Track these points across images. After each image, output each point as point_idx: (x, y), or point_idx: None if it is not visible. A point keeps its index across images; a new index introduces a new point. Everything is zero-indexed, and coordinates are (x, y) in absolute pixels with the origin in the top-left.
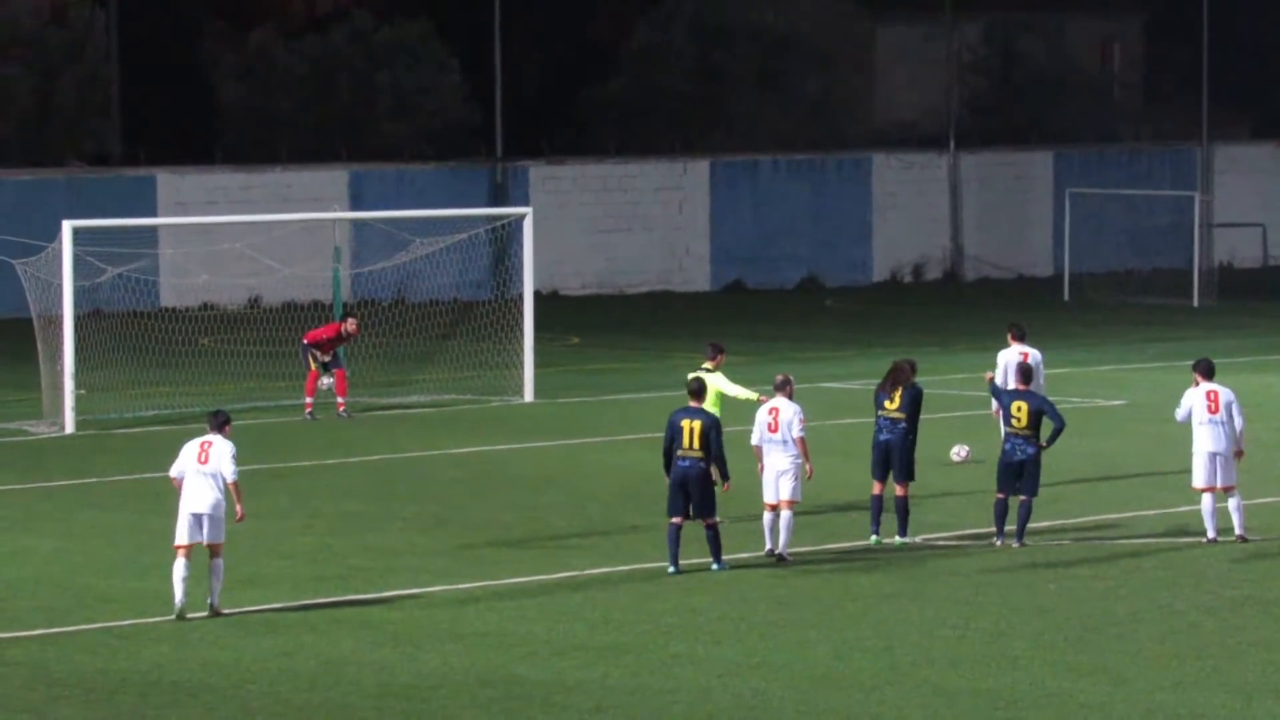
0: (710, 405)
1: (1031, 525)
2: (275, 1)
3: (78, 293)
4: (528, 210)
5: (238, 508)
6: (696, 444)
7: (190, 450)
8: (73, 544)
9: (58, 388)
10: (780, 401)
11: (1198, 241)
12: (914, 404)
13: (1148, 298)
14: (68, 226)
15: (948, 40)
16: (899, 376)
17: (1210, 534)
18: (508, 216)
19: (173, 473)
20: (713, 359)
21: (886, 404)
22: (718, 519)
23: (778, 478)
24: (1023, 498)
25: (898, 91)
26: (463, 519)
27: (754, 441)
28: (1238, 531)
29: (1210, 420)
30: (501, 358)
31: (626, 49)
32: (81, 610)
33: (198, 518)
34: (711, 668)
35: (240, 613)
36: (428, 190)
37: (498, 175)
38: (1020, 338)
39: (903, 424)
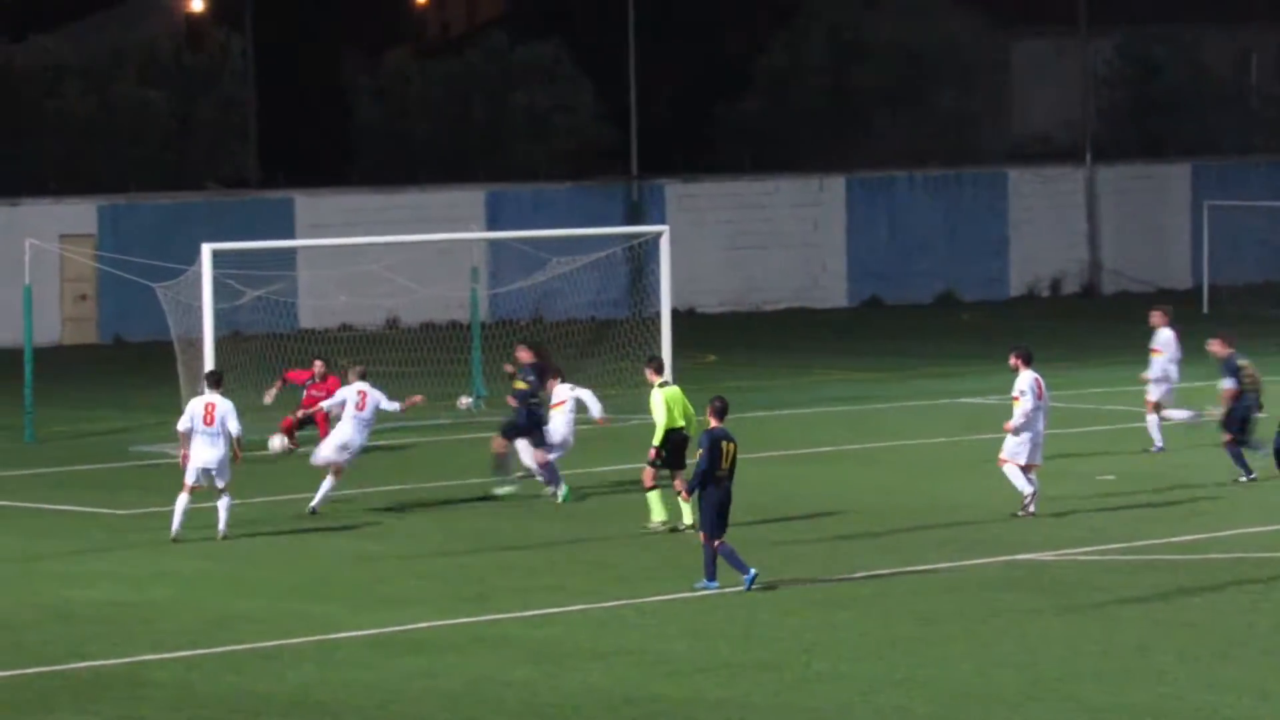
0: (683, 418)
1: (1173, 540)
2: (410, 23)
3: (217, 315)
4: (664, 228)
5: (238, 454)
6: (729, 464)
7: (196, 411)
8: (215, 565)
9: None
10: None
11: None
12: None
13: None
14: (207, 249)
15: (1082, 53)
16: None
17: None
18: (644, 235)
19: (180, 427)
20: (661, 373)
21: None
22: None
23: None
24: None
25: (1033, 106)
26: (602, 536)
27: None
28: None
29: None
30: (639, 376)
31: (761, 66)
32: (225, 631)
33: (205, 470)
34: (854, 684)
35: (382, 633)
36: (564, 209)
37: (634, 193)
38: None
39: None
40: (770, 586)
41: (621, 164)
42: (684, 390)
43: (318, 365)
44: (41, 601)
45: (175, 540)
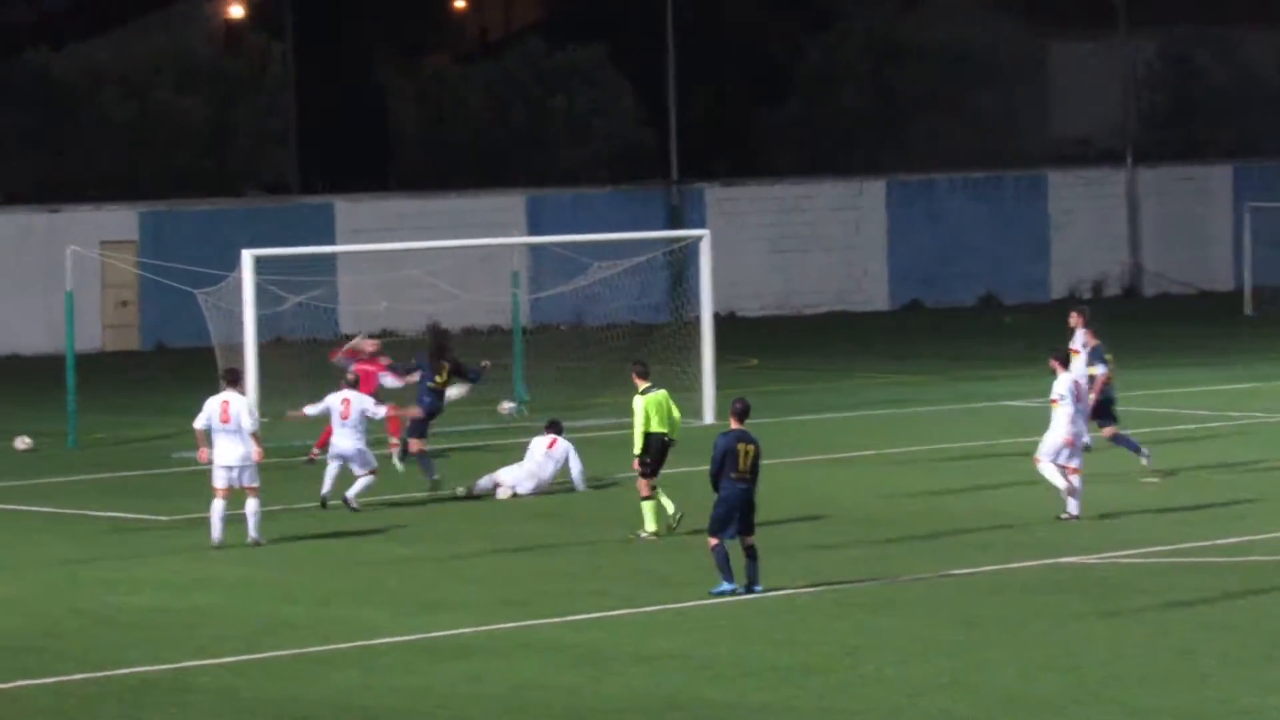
0: (664, 424)
1: (1217, 542)
2: (448, 28)
3: (258, 321)
4: (705, 232)
5: (256, 450)
6: (749, 466)
7: (213, 409)
8: (258, 571)
9: None
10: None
11: None
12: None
13: None
14: (248, 256)
15: (1123, 55)
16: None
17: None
18: (685, 239)
19: (197, 425)
20: (646, 378)
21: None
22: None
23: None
24: None
25: (1073, 108)
26: (645, 541)
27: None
28: (1075, 513)
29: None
30: (681, 380)
31: (800, 70)
32: (269, 637)
33: (229, 469)
34: (899, 688)
35: (426, 638)
36: (604, 214)
37: (674, 198)
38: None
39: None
40: (774, 591)
41: (661, 168)
42: (724, 394)
43: (368, 345)
44: (84, 607)
45: (218, 548)
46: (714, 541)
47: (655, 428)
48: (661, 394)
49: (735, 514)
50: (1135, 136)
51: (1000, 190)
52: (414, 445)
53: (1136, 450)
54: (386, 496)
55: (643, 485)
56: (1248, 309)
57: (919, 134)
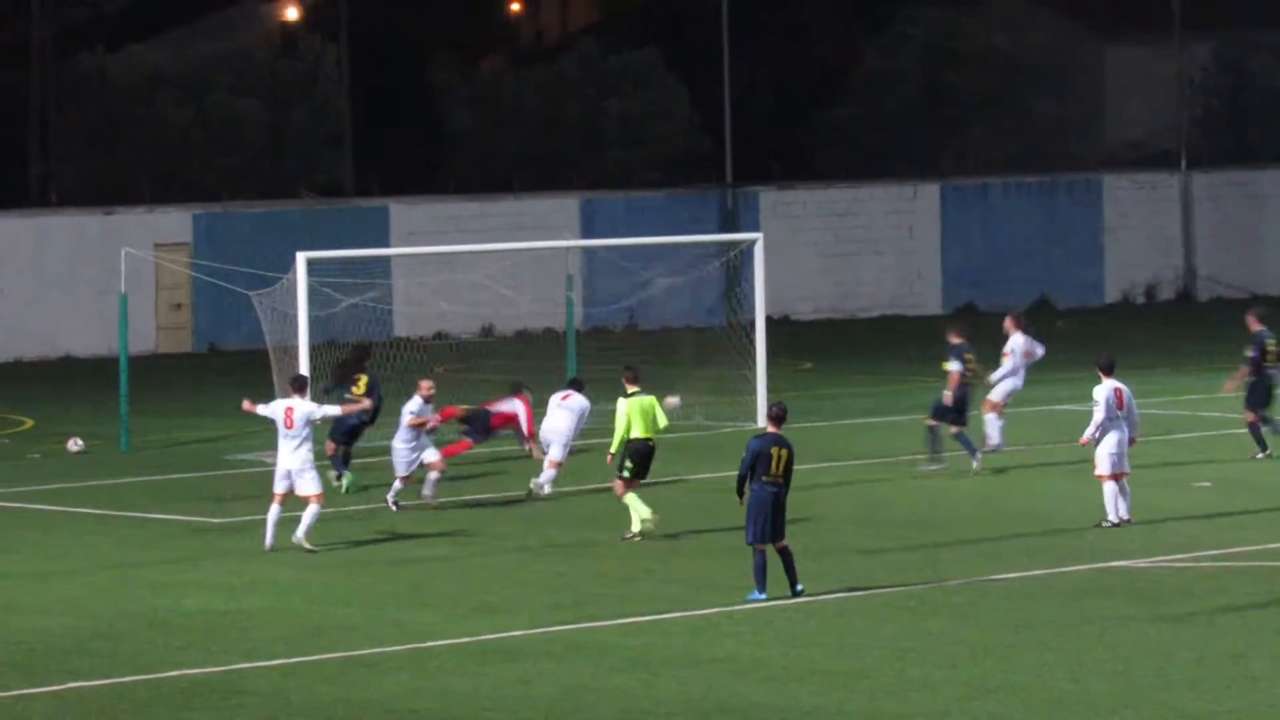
0: (648, 429)
1: (1269, 546)
2: (504, 31)
3: (312, 323)
4: (759, 235)
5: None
6: (781, 470)
7: (277, 412)
8: (309, 574)
9: None
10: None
11: None
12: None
13: None
14: (302, 258)
15: (1177, 60)
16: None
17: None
18: (739, 242)
19: (260, 411)
20: (635, 382)
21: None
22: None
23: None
24: None
25: (1128, 112)
26: (697, 545)
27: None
28: (1125, 515)
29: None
30: (734, 383)
31: (855, 73)
32: (321, 639)
33: (288, 472)
34: (949, 691)
35: (478, 641)
36: (659, 217)
37: (728, 201)
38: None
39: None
40: (823, 594)
41: (716, 171)
42: (778, 398)
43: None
44: (136, 610)
45: (270, 552)
46: (757, 548)
47: (637, 433)
48: (648, 400)
49: (765, 516)
50: (1189, 140)
51: (1054, 194)
52: (330, 447)
53: (972, 452)
54: (441, 499)
55: (618, 486)
56: None
57: (973, 137)
